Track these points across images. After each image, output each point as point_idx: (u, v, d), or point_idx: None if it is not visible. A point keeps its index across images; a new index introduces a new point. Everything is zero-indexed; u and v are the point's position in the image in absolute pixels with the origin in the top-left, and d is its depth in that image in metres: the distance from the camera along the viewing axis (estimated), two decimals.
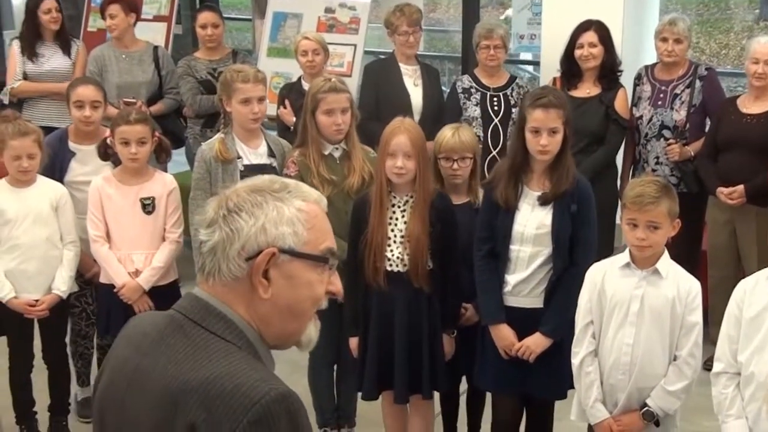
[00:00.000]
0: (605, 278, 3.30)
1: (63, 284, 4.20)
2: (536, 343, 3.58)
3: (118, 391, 1.65)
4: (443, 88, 5.95)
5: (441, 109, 5.56)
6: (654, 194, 3.14)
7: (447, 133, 3.93)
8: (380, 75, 5.60)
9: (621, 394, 3.29)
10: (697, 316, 3.23)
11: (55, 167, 4.37)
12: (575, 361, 3.35)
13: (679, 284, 3.23)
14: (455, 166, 3.90)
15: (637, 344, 3.23)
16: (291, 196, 1.64)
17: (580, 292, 3.36)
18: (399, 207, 3.74)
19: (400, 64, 5.57)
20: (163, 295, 4.11)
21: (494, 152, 5.37)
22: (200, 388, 1.51)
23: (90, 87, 4.52)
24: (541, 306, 3.60)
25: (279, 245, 1.61)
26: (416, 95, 5.52)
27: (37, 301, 4.16)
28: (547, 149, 3.51)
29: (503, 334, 3.62)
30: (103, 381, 1.73)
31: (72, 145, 4.48)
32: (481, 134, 5.39)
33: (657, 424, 3.27)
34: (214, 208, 1.64)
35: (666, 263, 3.24)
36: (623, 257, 3.29)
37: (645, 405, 3.26)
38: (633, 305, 3.23)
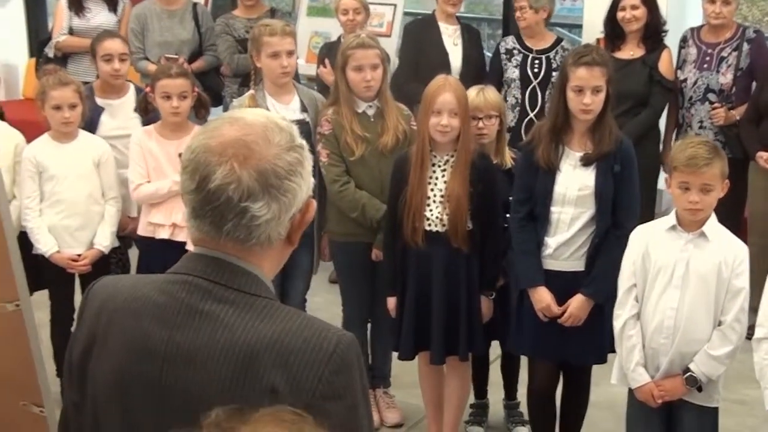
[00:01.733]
0: (650, 241, 3.24)
1: (105, 239, 4.23)
2: (579, 307, 3.54)
3: (149, 369, 1.53)
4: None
5: (480, 70, 5.51)
6: (707, 155, 3.07)
7: (471, 93, 3.93)
8: (420, 34, 5.55)
9: (663, 359, 3.23)
10: (744, 281, 3.18)
11: (85, 124, 4.36)
12: (617, 324, 3.30)
13: (725, 248, 3.17)
14: (480, 124, 3.89)
15: (681, 308, 3.17)
16: (299, 138, 1.59)
17: (624, 254, 3.30)
18: (439, 166, 3.71)
19: (440, 24, 5.51)
20: None
21: (532, 114, 5.31)
22: (269, 350, 1.47)
23: (116, 40, 4.63)
24: (582, 269, 3.55)
25: (310, 193, 1.59)
26: (455, 55, 5.46)
27: (79, 255, 4.20)
28: (590, 108, 3.46)
29: (542, 297, 3.57)
30: (114, 358, 1.56)
31: (100, 101, 4.53)
32: (519, 96, 5.34)
33: (700, 389, 3.21)
34: (255, 178, 1.49)
35: (713, 226, 3.18)
36: (669, 219, 3.23)
37: (688, 370, 3.19)
38: (678, 268, 3.17)
